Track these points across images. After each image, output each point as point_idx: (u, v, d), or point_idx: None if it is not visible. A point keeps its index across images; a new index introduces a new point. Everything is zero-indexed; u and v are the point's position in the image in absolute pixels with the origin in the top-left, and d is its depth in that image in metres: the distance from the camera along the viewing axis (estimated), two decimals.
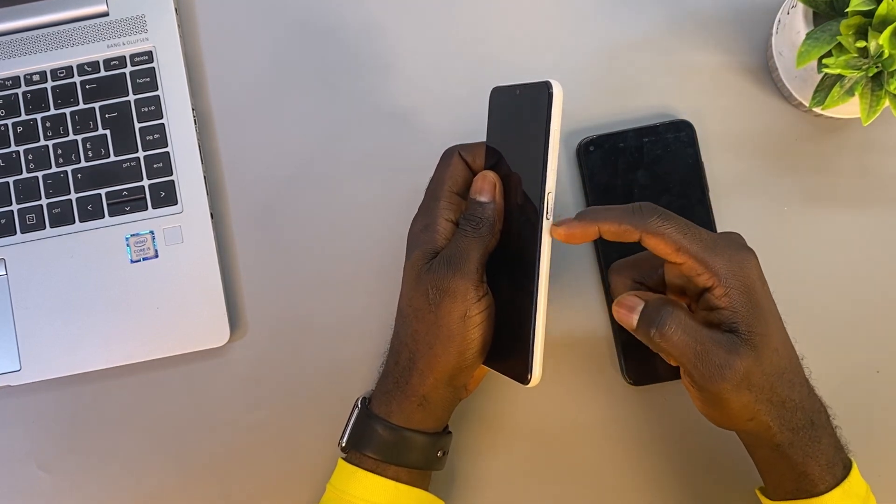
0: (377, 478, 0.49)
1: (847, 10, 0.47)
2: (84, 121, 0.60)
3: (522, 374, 0.46)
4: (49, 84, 0.60)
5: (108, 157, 0.60)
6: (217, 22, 0.63)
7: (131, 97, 0.60)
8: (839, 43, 0.48)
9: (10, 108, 0.60)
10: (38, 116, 0.60)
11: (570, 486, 0.58)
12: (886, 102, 0.49)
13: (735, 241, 0.46)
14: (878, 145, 0.60)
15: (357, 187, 0.61)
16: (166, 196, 0.59)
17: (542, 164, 0.45)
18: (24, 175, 0.59)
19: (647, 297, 0.46)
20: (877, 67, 0.48)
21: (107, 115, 0.60)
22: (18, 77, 0.60)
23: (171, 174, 0.59)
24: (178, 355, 0.58)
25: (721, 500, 0.57)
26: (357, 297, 0.60)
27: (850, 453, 0.48)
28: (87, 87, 0.60)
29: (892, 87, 0.48)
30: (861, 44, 0.47)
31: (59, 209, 0.59)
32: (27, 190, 0.59)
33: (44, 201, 0.59)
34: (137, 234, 0.59)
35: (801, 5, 0.52)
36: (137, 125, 0.60)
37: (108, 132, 0.60)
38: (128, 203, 0.59)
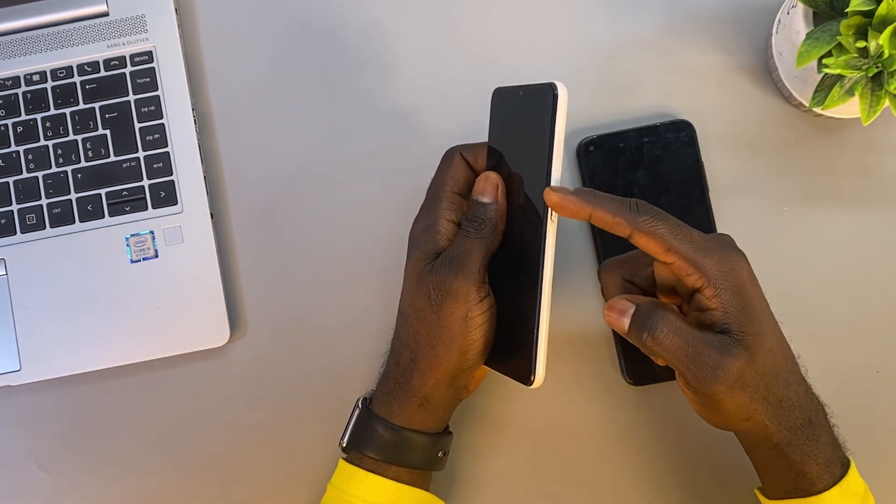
0: (378, 478, 0.49)
1: (847, 10, 0.47)
2: (84, 121, 0.60)
3: (525, 375, 0.46)
4: (49, 84, 0.60)
5: (108, 157, 0.59)
6: (217, 22, 0.63)
7: (131, 97, 0.60)
8: (839, 43, 0.48)
9: (10, 108, 0.60)
10: (38, 116, 0.60)
11: (571, 485, 0.58)
12: (886, 102, 0.49)
13: (725, 243, 0.46)
14: (878, 145, 0.60)
15: (357, 187, 0.61)
16: (166, 196, 0.59)
17: (546, 165, 0.45)
18: (24, 175, 0.59)
19: (638, 301, 0.46)
20: (877, 67, 0.48)
21: (107, 115, 0.60)
22: (18, 77, 0.60)
23: (171, 174, 0.59)
24: (178, 355, 0.58)
25: (720, 499, 0.57)
26: (357, 297, 0.60)
27: (849, 452, 0.48)
28: (87, 87, 0.60)
29: (892, 87, 0.48)
30: (861, 44, 0.47)
31: (59, 209, 0.59)
32: (27, 190, 0.59)
33: (44, 201, 0.59)
34: (137, 234, 0.59)
35: (801, 5, 0.52)
36: (137, 125, 0.60)
37: (108, 132, 0.60)
38: (128, 203, 0.59)
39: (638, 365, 0.57)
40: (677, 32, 0.61)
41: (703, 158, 0.59)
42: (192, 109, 0.60)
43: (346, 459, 0.51)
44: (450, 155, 0.51)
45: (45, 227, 0.59)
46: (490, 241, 0.47)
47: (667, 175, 0.59)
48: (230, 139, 0.61)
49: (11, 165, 0.59)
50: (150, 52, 0.61)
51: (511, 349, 0.47)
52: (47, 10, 0.61)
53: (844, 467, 0.47)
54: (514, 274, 0.47)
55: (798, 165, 0.60)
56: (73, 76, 0.60)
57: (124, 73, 0.60)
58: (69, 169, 0.59)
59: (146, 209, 0.59)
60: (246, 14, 0.63)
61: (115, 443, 0.59)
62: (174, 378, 0.59)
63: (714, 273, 0.44)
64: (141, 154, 0.60)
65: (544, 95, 0.45)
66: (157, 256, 0.59)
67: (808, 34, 0.50)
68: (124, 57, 0.60)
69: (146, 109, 0.60)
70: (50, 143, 0.60)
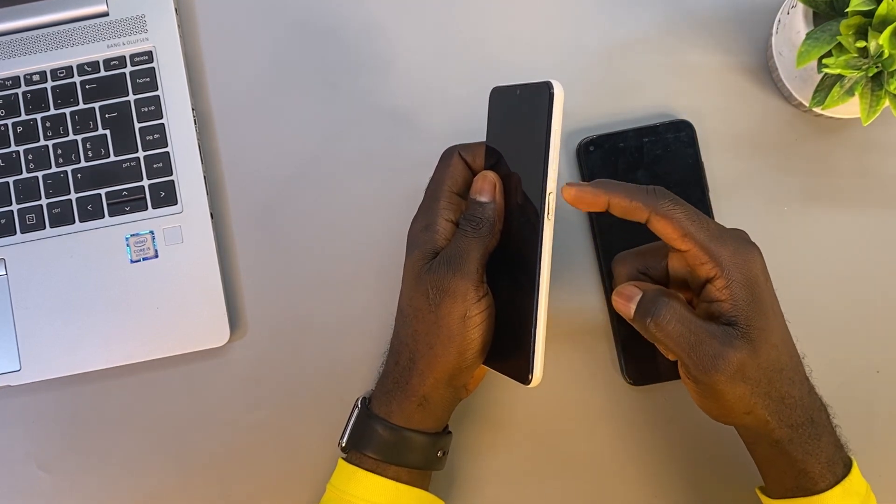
0: (377, 478, 0.49)
1: (847, 10, 0.47)
2: (84, 121, 0.60)
3: (523, 375, 0.46)
4: (49, 84, 0.60)
5: (108, 157, 0.59)
6: (217, 22, 0.63)
7: (131, 97, 0.60)
8: (839, 43, 0.48)
9: (10, 108, 0.60)
10: (38, 116, 0.60)
11: (570, 485, 0.58)
12: (886, 102, 0.49)
13: (740, 236, 0.46)
14: (878, 145, 0.60)
15: (357, 187, 0.61)
16: (166, 196, 0.59)
17: (542, 164, 0.45)
18: (24, 175, 0.59)
19: (645, 288, 0.46)
20: (877, 67, 0.48)
21: (107, 115, 0.60)
22: (18, 77, 0.60)
23: (171, 174, 0.59)
24: (178, 355, 0.58)
25: (721, 498, 0.57)
26: (357, 297, 0.60)
27: (851, 452, 0.48)
28: (87, 87, 0.60)
29: (892, 87, 0.48)
30: (861, 44, 0.47)
31: (59, 209, 0.59)
32: (27, 190, 0.59)
33: (44, 201, 0.59)
34: (137, 234, 0.59)
35: (801, 5, 0.52)
36: (137, 125, 0.60)
37: (108, 132, 0.60)
38: (128, 203, 0.59)
39: (638, 365, 0.57)
40: (677, 32, 0.61)
41: (703, 158, 0.59)
42: (192, 109, 0.60)
43: (345, 459, 0.51)
44: (448, 154, 0.51)
45: (45, 227, 0.59)
46: (488, 240, 0.47)
47: (667, 175, 0.59)
48: (230, 139, 0.61)
49: (11, 165, 0.60)
50: (150, 52, 0.61)
51: (509, 348, 0.47)
52: (47, 10, 0.61)
53: (847, 467, 0.47)
54: (513, 273, 0.47)
55: (798, 165, 0.60)
56: (73, 76, 0.60)
57: (124, 73, 0.60)
58: (69, 169, 0.59)
59: (146, 209, 0.59)
60: (246, 14, 0.63)
61: (115, 443, 0.59)
62: (174, 378, 0.59)
63: (728, 264, 0.44)
64: (141, 154, 0.60)
65: (541, 94, 0.45)
66: (157, 256, 0.59)
67: (808, 34, 0.50)
68: (124, 57, 0.60)
69: (146, 109, 0.60)
70: (50, 143, 0.60)
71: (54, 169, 0.59)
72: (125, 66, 0.60)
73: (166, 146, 0.60)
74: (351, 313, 0.59)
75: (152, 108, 0.60)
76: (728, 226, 0.57)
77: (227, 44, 0.62)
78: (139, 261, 0.59)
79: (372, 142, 0.61)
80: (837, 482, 0.46)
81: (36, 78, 0.60)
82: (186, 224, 0.59)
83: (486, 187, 0.48)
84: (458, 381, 0.49)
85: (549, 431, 0.58)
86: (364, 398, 0.53)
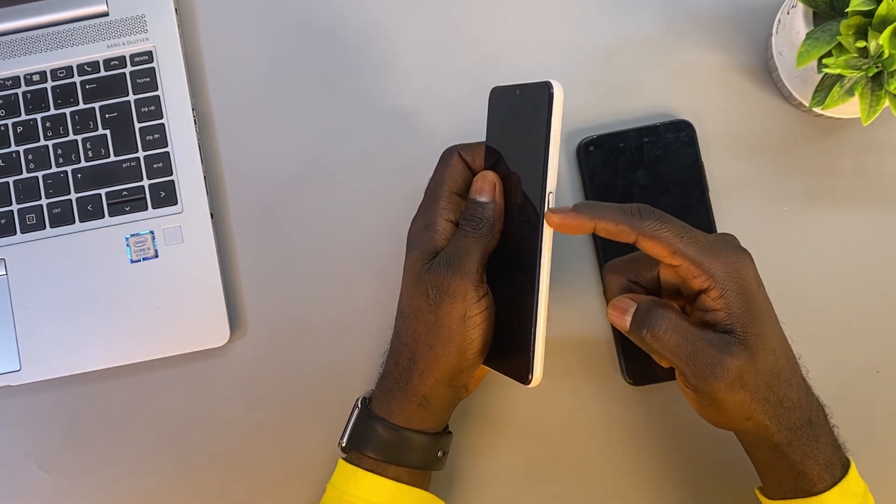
0: (377, 478, 0.49)
1: (847, 10, 0.47)
2: (84, 121, 0.60)
3: (523, 375, 0.46)
4: (49, 84, 0.60)
5: (108, 157, 0.60)
6: (217, 22, 0.63)
7: (131, 97, 0.60)
8: (839, 43, 0.48)
9: (10, 108, 0.60)
10: (38, 116, 0.60)
11: (570, 485, 0.58)
12: (886, 102, 0.49)
13: (730, 243, 0.46)
14: (878, 145, 0.60)
15: (357, 187, 0.61)
16: (166, 196, 0.59)
17: (542, 164, 0.45)
18: (24, 175, 0.59)
19: (640, 300, 0.46)
20: (877, 67, 0.48)
21: (107, 115, 0.60)
22: (18, 77, 0.60)
23: (171, 174, 0.59)
24: (178, 355, 0.58)
25: (720, 499, 0.57)
26: (357, 297, 0.60)
27: (849, 452, 0.48)
28: (87, 87, 0.60)
29: (892, 87, 0.48)
30: (861, 44, 0.47)
31: (59, 209, 0.59)
32: (27, 190, 0.59)
33: (44, 201, 0.59)
34: (137, 234, 0.59)
35: (801, 5, 0.52)
36: (137, 125, 0.60)
37: (108, 132, 0.60)
38: (128, 203, 0.59)
39: (638, 365, 0.57)
40: (677, 32, 0.61)
41: (703, 158, 0.59)
42: (192, 109, 0.60)
43: (345, 459, 0.51)
44: (448, 154, 0.51)
45: (45, 227, 0.59)
46: (488, 240, 0.47)
47: (667, 175, 0.59)
48: (230, 139, 0.61)
49: (11, 165, 0.60)
50: (150, 52, 0.61)
51: (509, 348, 0.47)
52: (47, 10, 0.61)
53: (845, 468, 0.47)
54: (512, 273, 0.47)
55: (798, 165, 0.60)
56: (73, 76, 0.60)
57: (124, 73, 0.60)
58: (69, 169, 0.59)
59: (146, 209, 0.59)
60: (246, 14, 0.63)
61: (115, 443, 0.59)
62: (174, 378, 0.59)
63: (720, 275, 0.44)
64: (141, 154, 0.60)
65: (540, 94, 0.45)
66: (157, 256, 0.59)
67: (808, 34, 0.50)
68: (124, 57, 0.60)
69: (146, 109, 0.60)
70: (50, 143, 0.60)
71: (54, 169, 0.59)
72: (125, 66, 0.60)
73: (166, 146, 0.60)
74: (351, 313, 0.59)
75: (152, 108, 0.60)
76: (728, 226, 0.57)
77: (227, 44, 0.62)
78: (139, 261, 0.59)
79: (372, 142, 0.61)
80: (835, 483, 0.46)
81: (36, 78, 0.60)
82: (186, 224, 0.59)
83: (486, 187, 0.48)
84: (458, 381, 0.49)
85: (550, 431, 0.58)
86: (364, 398, 0.53)
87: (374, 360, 0.57)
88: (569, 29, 0.62)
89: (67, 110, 0.60)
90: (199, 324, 0.58)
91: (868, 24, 0.47)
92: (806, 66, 0.50)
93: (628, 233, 0.45)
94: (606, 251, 0.58)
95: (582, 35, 0.62)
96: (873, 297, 0.59)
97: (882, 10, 0.46)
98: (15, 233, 0.59)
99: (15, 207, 0.59)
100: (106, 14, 0.61)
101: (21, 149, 0.60)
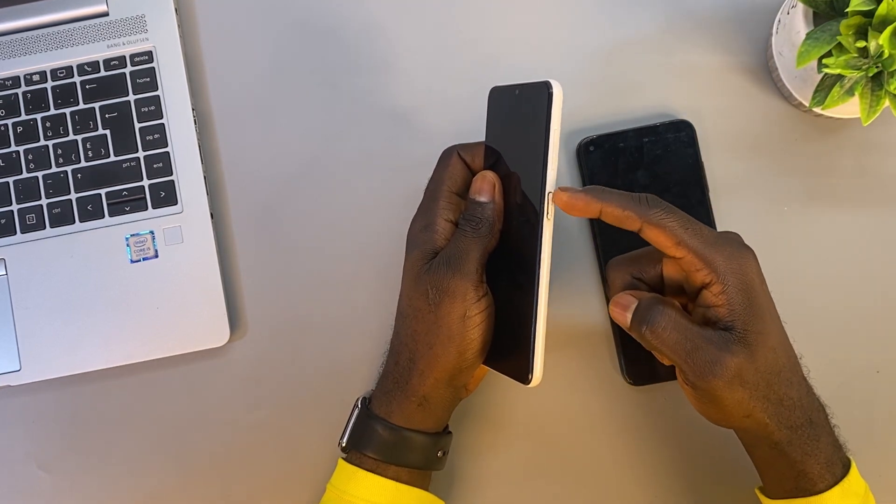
0: (377, 478, 0.49)
1: (847, 10, 0.47)
2: (84, 121, 0.60)
3: (523, 374, 0.46)
4: (49, 84, 0.60)
5: (108, 157, 0.60)
6: (217, 22, 0.63)
7: (131, 97, 0.60)
8: (839, 43, 0.48)
9: (10, 108, 0.60)
10: (38, 116, 0.60)
11: (570, 485, 0.58)
12: (886, 102, 0.49)
13: (734, 240, 0.46)
14: (878, 145, 0.60)
15: (357, 187, 0.61)
16: (166, 196, 0.59)
17: (542, 164, 0.45)
18: (24, 175, 0.59)
19: (641, 296, 0.46)
20: (877, 67, 0.48)
21: (107, 115, 0.60)
22: (18, 77, 0.60)
23: (171, 174, 0.59)
24: (178, 355, 0.58)
25: (721, 499, 0.57)
26: (357, 297, 0.60)
27: (849, 452, 0.48)
28: (87, 87, 0.60)
29: (892, 87, 0.48)
30: (861, 44, 0.47)
31: (59, 209, 0.59)
32: (27, 190, 0.59)
33: (44, 201, 0.59)
34: (137, 234, 0.59)
35: (801, 5, 0.52)
36: (137, 125, 0.60)
37: (108, 132, 0.60)
38: (128, 203, 0.59)
39: (638, 365, 0.57)
40: (677, 32, 0.61)
41: (703, 158, 0.59)
42: (192, 109, 0.60)
43: (345, 459, 0.51)
44: (447, 154, 0.51)
45: (45, 227, 0.59)
46: (487, 240, 0.47)
47: (667, 175, 0.59)
48: (230, 139, 0.61)
49: (11, 165, 0.60)
50: (150, 52, 0.61)
51: (509, 348, 0.47)
52: (47, 10, 0.61)
53: (845, 467, 0.47)
54: (512, 273, 0.47)
55: (798, 165, 0.60)
56: (73, 76, 0.60)
57: (124, 73, 0.60)
58: (69, 169, 0.59)
59: (146, 209, 0.59)
60: (246, 14, 0.63)
61: (115, 443, 0.59)
62: (174, 378, 0.59)
63: (723, 269, 0.44)
64: (141, 154, 0.60)
65: (539, 94, 0.45)
66: (157, 256, 0.59)
67: (808, 34, 0.50)
68: (124, 57, 0.60)
69: (146, 109, 0.60)
70: (50, 143, 0.60)
71: (54, 169, 0.59)
72: (125, 66, 0.60)
73: (166, 146, 0.60)
74: (351, 313, 0.59)
75: (152, 108, 0.60)
76: (728, 226, 0.57)
77: (227, 44, 0.62)
78: (139, 261, 0.59)
79: (372, 142, 0.61)
80: (836, 482, 0.46)
81: (36, 78, 0.60)
82: (186, 224, 0.59)
83: (486, 187, 0.48)
84: (458, 381, 0.49)
85: (550, 431, 0.58)
86: (364, 398, 0.53)
87: (374, 360, 0.57)
88: (569, 29, 0.62)
89: (67, 110, 0.60)
90: (199, 324, 0.58)
91: (868, 24, 0.47)
92: (806, 66, 0.50)
93: (634, 219, 0.45)
94: (607, 251, 0.58)
95: (582, 35, 0.62)
96: (873, 297, 0.59)
97: (882, 10, 0.46)
98: (15, 233, 0.59)
99: (15, 207, 0.59)
100: (106, 14, 0.61)
101: (21, 149, 0.60)
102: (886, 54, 0.46)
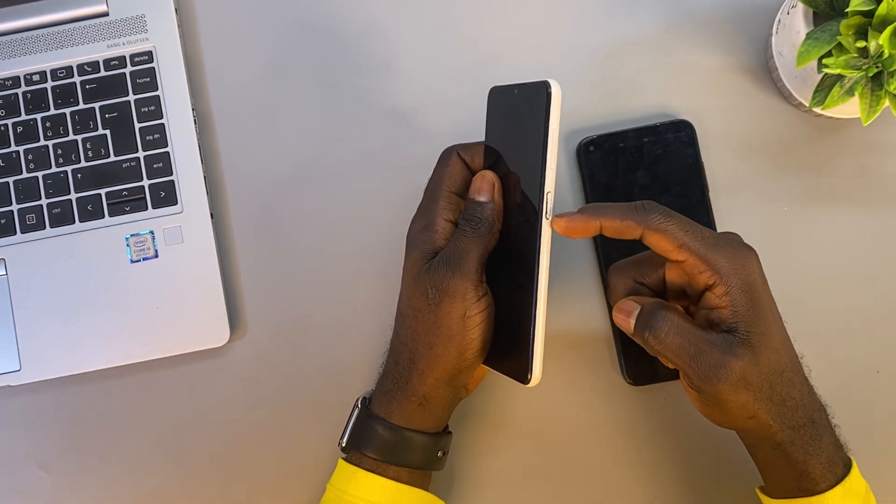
0: (377, 478, 0.49)
1: (847, 10, 0.47)
2: (84, 121, 0.60)
3: (522, 374, 0.46)
4: (49, 84, 0.60)
5: (108, 157, 0.60)
6: (217, 22, 0.63)
7: (131, 97, 0.60)
8: (839, 43, 0.48)
9: (10, 108, 0.60)
10: (38, 116, 0.60)
11: (570, 485, 0.58)
12: (886, 102, 0.49)
13: (735, 241, 0.46)
14: (878, 145, 0.60)
15: (357, 187, 0.61)
16: (166, 196, 0.59)
17: (541, 163, 0.45)
18: (24, 175, 0.59)
19: (644, 302, 0.46)
20: (877, 67, 0.48)
21: (107, 115, 0.60)
22: (18, 77, 0.60)
23: (171, 174, 0.59)
24: (178, 355, 0.58)
25: (721, 499, 0.57)
26: (357, 297, 0.60)
27: (850, 452, 0.48)
28: (87, 87, 0.60)
29: (892, 87, 0.48)
30: (861, 44, 0.47)
31: (59, 209, 0.59)
32: (27, 190, 0.59)
33: (44, 201, 0.59)
34: (137, 234, 0.59)
35: (801, 5, 0.52)
36: (137, 125, 0.60)
37: (108, 132, 0.60)
38: (128, 203, 0.59)
39: (638, 365, 0.57)
40: (677, 32, 0.61)
41: (703, 158, 0.59)
42: (192, 109, 0.60)
43: (345, 459, 0.51)
44: (447, 154, 0.51)
45: (45, 227, 0.59)
46: (487, 240, 0.47)
47: (667, 175, 0.59)
48: (230, 139, 0.61)
49: (11, 165, 0.60)
50: (150, 52, 0.61)
51: (509, 348, 0.47)
52: (47, 10, 0.61)
53: (847, 467, 0.47)
54: (512, 272, 0.47)
55: (798, 165, 0.60)
56: (73, 76, 0.60)
57: (124, 73, 0.60)
58: (69, 169, 0.59)
59: (146, 209, 0.59)
60: (246, 14, 0.63)
61: (115, 443, 0.59)
62: (174, 378, 0.59)
63: (726, 270, 0.44)
64: (141, 154, 0.60)
65: (538, 93, 0.45)
66: (157, 256, 0.59)
67: (808, 34, 0.50)
68: (124, 57, 0.60)
69: (146, 109, 0.60)
70: (50, 143, 0.60)
71: (54, 169, 0.59)
72: (125, 66, 0.60)
73: (166, 146, 0.60)
74: (351, 313, 0.59)
75: (152, 108, 0.60)
76: (728, 226, 0.57)
77: (227, 44, 0.62)
78: (139, 261, 0.59)
79: (372, 142, 0.61)
80: (838, 482, 0.46)
81: (36, 78, 0.60)
82: (186, 224, 0.59)
83: (485, 187, 0.48)
84: (458, 381, 0.49)
85: (549, 431, 0.58)
86: (364, 398, 0.53)
87: (374, 360, 0.57)
88: (569, 29, 0.62)
89: (67, 110, 0.60)
90: (199, 324, 0.58)
91: (868, 24, 0.47)
92: (806, 66, 0.50)
93: (634, 228, 0.45)
94: (607, 251, 0.58)
95: (582, 35, 0.62)
96: (873, 297, 0.59)
97: (882, 10, 0.46)
98: (15, 233, 0.59)
99: (15, 207, 0.59)
100: (106, 14, 0.61)
101: (21, 149, 0.60)
102: (886, 54, 0.46)
